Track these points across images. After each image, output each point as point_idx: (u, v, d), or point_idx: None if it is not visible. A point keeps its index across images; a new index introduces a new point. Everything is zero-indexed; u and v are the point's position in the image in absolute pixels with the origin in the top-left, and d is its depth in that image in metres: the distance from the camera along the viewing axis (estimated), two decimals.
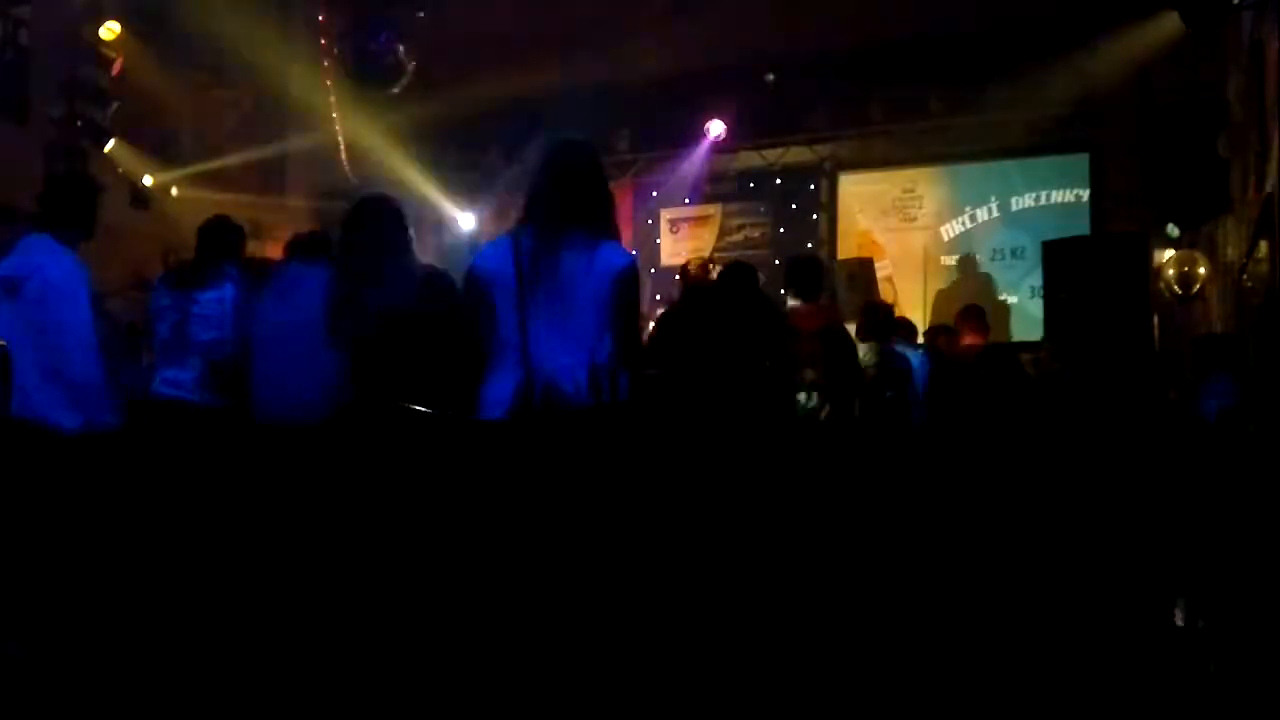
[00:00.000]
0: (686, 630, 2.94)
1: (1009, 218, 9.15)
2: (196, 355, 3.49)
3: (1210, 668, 3.24)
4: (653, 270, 10.35)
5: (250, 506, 3.13)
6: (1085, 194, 8.74)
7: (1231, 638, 3.50)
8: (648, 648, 2.63)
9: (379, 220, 3.16)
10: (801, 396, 4.12)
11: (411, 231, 3.22)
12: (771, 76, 9.74)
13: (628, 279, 2.56)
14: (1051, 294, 5.45)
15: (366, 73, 8.83)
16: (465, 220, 10.57)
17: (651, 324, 6.47)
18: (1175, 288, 7.37)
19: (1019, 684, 3.04)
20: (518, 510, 2.47)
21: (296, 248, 3.85)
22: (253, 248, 5.00)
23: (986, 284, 9.11)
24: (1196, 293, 7.41)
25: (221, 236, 3.81)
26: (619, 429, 2.55)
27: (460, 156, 10.45)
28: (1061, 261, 5.32)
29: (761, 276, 4.46)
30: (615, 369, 2.52)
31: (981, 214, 9.28)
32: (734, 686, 2.85)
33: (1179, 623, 3.70)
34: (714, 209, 10.58)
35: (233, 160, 8.97)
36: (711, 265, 5.66)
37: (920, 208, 9.58)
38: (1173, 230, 7.62)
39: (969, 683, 3.05)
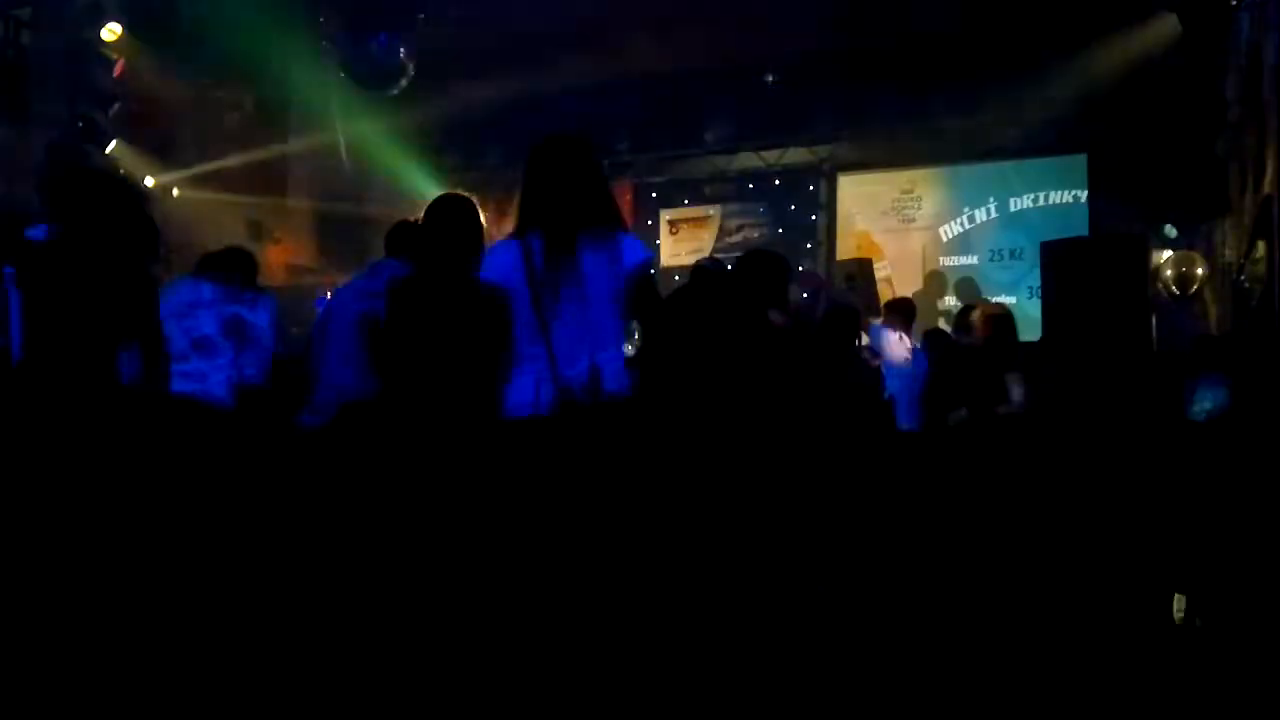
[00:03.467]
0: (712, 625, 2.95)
1: (1007, 218, 9.18)
2: (237, 357, 3.52)
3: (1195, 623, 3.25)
4: (651, 272, 10.36)
5: (279, 505, 3.14)
6: (1083, 195, 8.77)
7: (1230, 635, 3.52)
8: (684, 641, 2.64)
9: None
10: None
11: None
12: (771, 77, 9.78)
13: (648, 272, 2.60)
14: (1049, 295, 5.45)
15: (367, 74, 8.86)
16: None
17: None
18: (1173, 288, 7.39)
19: (1015, 682, 3.06)
20: (555, 507, 2.45)
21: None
22: (252, 249, 5.03)
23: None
24: (1194, 293, 7.43)
25: (248, 267, 4.13)
26: (652, 420, 2.58)
27: (461, 157, 10.47)
28: (1060, 262, 5.31)
29: None
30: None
31: (980, 215, 9.31)
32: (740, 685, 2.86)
33: (1177, 620, 3.72)
34: (713, 210, 10.62)
35: (234, 161, 8.99)
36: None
37: (919, 209, 9.61)
38: (1170, 231, 7.65)
39: (965, 678, 3.07)
